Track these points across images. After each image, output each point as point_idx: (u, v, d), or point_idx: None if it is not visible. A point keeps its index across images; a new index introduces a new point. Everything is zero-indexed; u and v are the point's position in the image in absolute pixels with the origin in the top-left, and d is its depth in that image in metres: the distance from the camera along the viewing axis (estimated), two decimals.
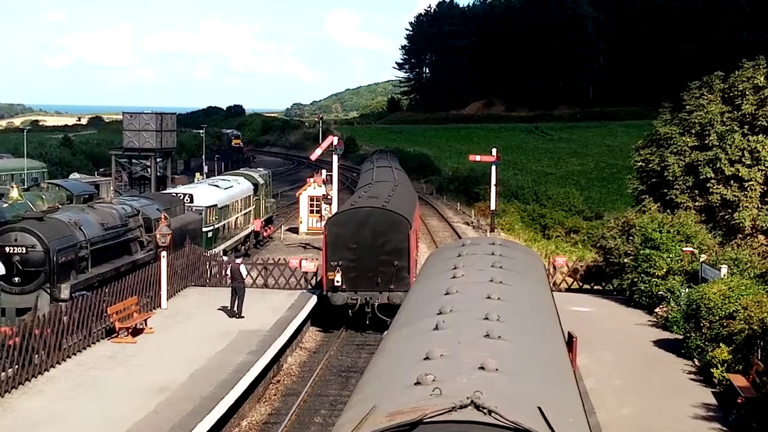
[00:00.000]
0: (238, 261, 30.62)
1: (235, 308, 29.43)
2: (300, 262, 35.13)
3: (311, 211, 55.58)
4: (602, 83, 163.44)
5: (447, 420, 7.02)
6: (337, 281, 30.75)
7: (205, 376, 22.36)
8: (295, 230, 56.25)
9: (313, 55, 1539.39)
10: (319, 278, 34.11)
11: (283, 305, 31.29)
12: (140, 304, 27.66)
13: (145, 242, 32.76)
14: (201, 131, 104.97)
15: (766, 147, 36.54)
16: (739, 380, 20.74)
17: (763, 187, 36.67)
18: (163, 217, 31.95)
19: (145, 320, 27.20)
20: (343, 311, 31.22)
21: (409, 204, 37.92)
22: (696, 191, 37.52)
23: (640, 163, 40.17)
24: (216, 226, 41.66)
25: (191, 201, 40.51)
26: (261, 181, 52.78)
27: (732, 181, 36.70)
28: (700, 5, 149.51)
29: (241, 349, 25.08)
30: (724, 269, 27.20)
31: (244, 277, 29.99)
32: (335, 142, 49.70)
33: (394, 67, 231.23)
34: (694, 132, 38.06)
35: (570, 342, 16.06)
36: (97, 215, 30.18)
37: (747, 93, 37.36)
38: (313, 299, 32.55)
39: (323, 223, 37.01)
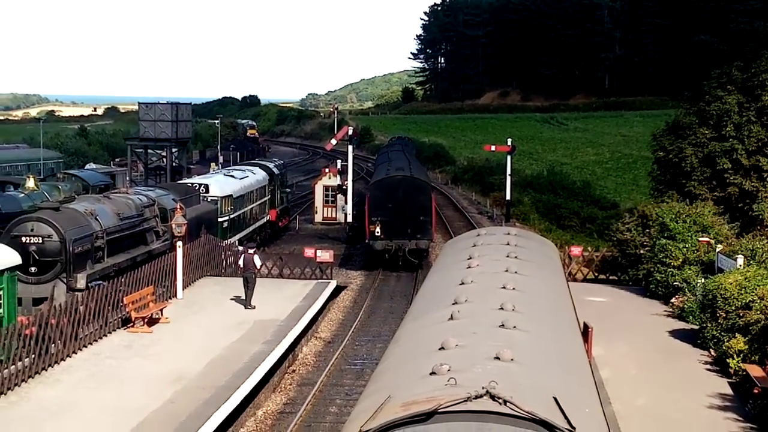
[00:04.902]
0: (251, 251, 30.51)
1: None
2: (315, 252, 35.13)
3: (326, 202, 55.69)
4: (618, 73, 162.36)
5: (462, 410, 7.01)
6: (377, 232, 39.72)
7: (220, 366, 22.44)
8: (311, 220, 56.30)
9: (329, 44, 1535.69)
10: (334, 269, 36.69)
11: (298, 295, 31.37)
12: (156, 294, 27.75)
13: (161, 232, 32.85)
14: (216, 121, 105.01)
15: None
16: (755, 370, 20.65)
17: None
18: (178, 207, 32.03)
19: (161, 310, 27.30)
20: (381, 255, 40.10)
21: (426, 175, 48.23)
22: (714, 182, 37.34)
23: (660, 153, 39.96)
24: (231, 216, 41.73)
25: (207, 191, 40.60)
26: (276, 171, 52.82)
27: (751, 172, 36.51)
28: None
29: (256, 339, 25.15)
30: (740, 259, 27.05)
31: (258, 267, 29.99)
32: (350, 132, 49.74)
33: (409, 57, 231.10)
34: (711, 123, 37.85)
35: (585, 332, 16.04)
36: (113, 205, 30.29)
37: (766, 84, 37.12)
38: (330, 287, 32.88)
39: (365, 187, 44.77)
